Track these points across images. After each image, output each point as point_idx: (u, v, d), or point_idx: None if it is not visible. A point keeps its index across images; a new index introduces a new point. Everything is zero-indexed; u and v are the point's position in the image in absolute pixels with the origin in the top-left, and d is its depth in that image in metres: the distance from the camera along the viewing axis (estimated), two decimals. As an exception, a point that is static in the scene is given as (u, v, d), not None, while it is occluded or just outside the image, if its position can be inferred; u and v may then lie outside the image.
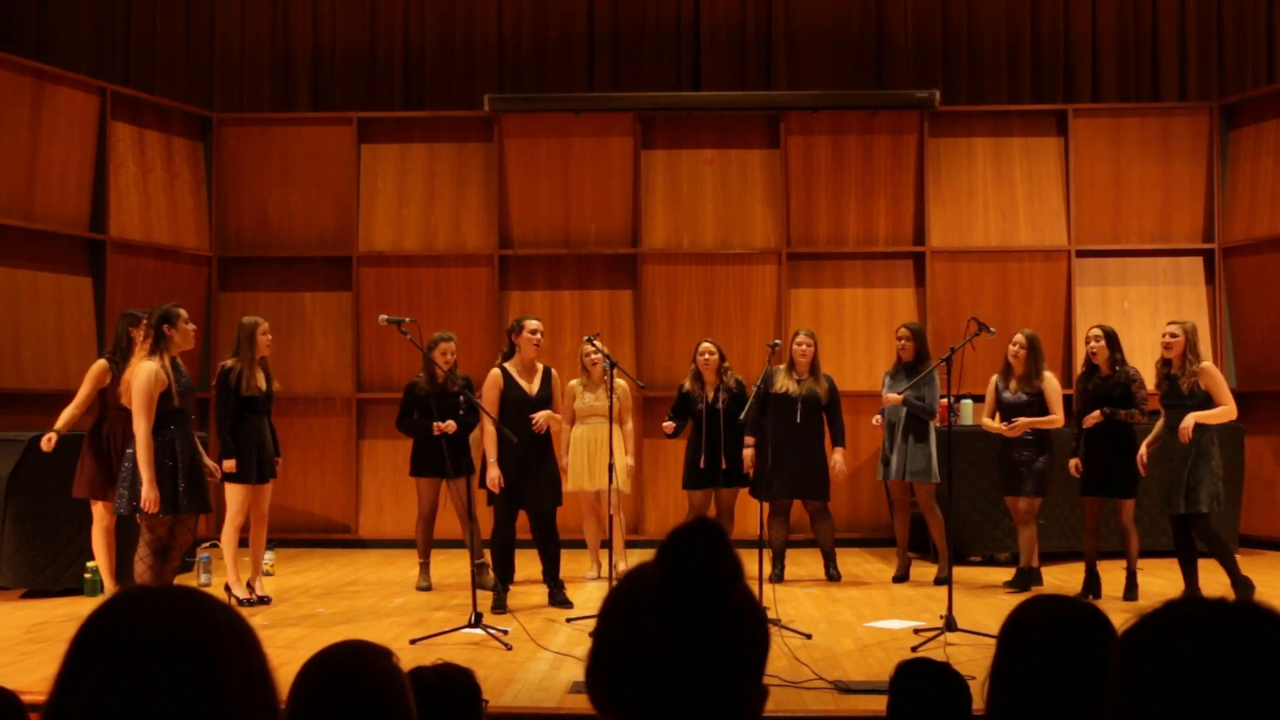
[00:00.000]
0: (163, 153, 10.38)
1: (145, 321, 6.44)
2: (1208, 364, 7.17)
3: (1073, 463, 7.68)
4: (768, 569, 8.14)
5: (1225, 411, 7.08)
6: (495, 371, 7.39)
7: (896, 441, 8.23)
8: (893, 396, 8.12)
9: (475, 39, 11.18)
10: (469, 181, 10.78)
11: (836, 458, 8.38)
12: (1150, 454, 7.35)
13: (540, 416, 7.33)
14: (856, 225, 10.66)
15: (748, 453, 8.24)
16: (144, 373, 6.21)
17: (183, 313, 6.47)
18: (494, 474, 7.14)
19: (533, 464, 7.30)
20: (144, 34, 11.28)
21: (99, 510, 7.23)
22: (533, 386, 7.42)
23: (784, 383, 8.31)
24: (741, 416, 8.00)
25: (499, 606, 7.07)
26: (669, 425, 8.24)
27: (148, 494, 6.17)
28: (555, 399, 7.54)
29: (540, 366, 7.52)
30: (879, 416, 8.33)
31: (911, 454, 8.17)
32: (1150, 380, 7.75)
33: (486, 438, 7.19)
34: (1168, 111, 10.66)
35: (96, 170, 9.74)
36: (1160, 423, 7.33)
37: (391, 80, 11.19)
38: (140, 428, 6.17)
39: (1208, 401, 7.09)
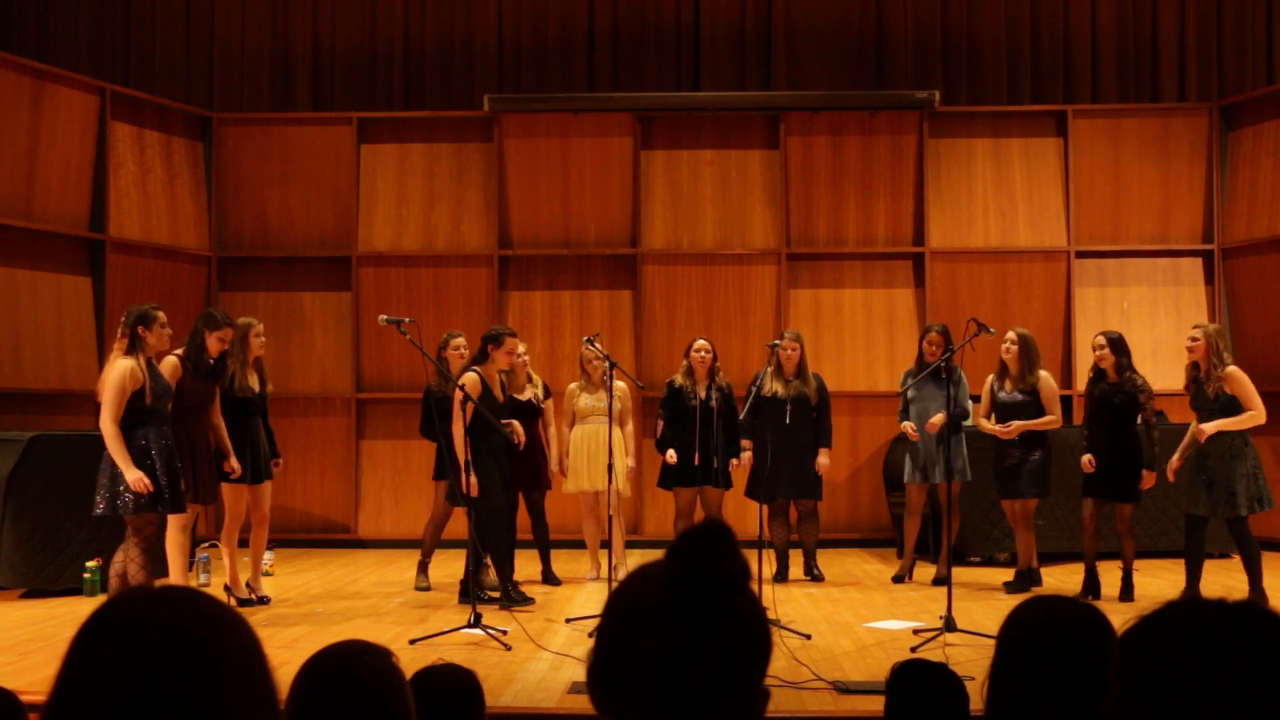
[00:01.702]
0: (162, 153, 10.38)
1: (123, 321, 6.42)
2: (1233, 368, 7.10)
3: (1085, 458, 7.57)
4: (768, 569, 8.15)
5: (1251, 417, 7.00)
6: (473, 376, 7.26)
7: (933, 446, 8.12)
8: (935, 421, 7.95)
9: (475, 39, 11.18)
10: (469, 182, 10.78)
11: (821, 459, 8.35)
12: (1183, 460, 7.28)
13: (519, 429, 7.65)
14: (856, 226, 10.66)
15: (745, 455, 8.23)
16: (119, 369, 6.21)
17: (160, 315, 6.41)
18: (474, 479, 7.02)
19: (502, 468, 7.44)
20: (144, 34, 11.29)
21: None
22: (499, 393, 7.51)
23: (772, 385, 8.29)
24: (740, 417, 8.01)
25: (516, 596, 7.23)
26: (672, 456, 8.13)
27: (131, 477, 6.10)
28: (557, 405, 7.70)
29: (499, 376, 7.55)
30: (911, 424, 8.22)
31: (941, 455, 8.11)
32: (1155, 382, 7.76)
33: (459, 442, 7.05)
34: (1167, 112, 10.67)
35: (96, 170, 9.74)
36: (1191, 428, 7.28)
37: (391, 80, 11.19)
38: (105, 420, 6.14)
39: (1233, 405, 7.03)
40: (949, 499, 7.54)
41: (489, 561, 7.92)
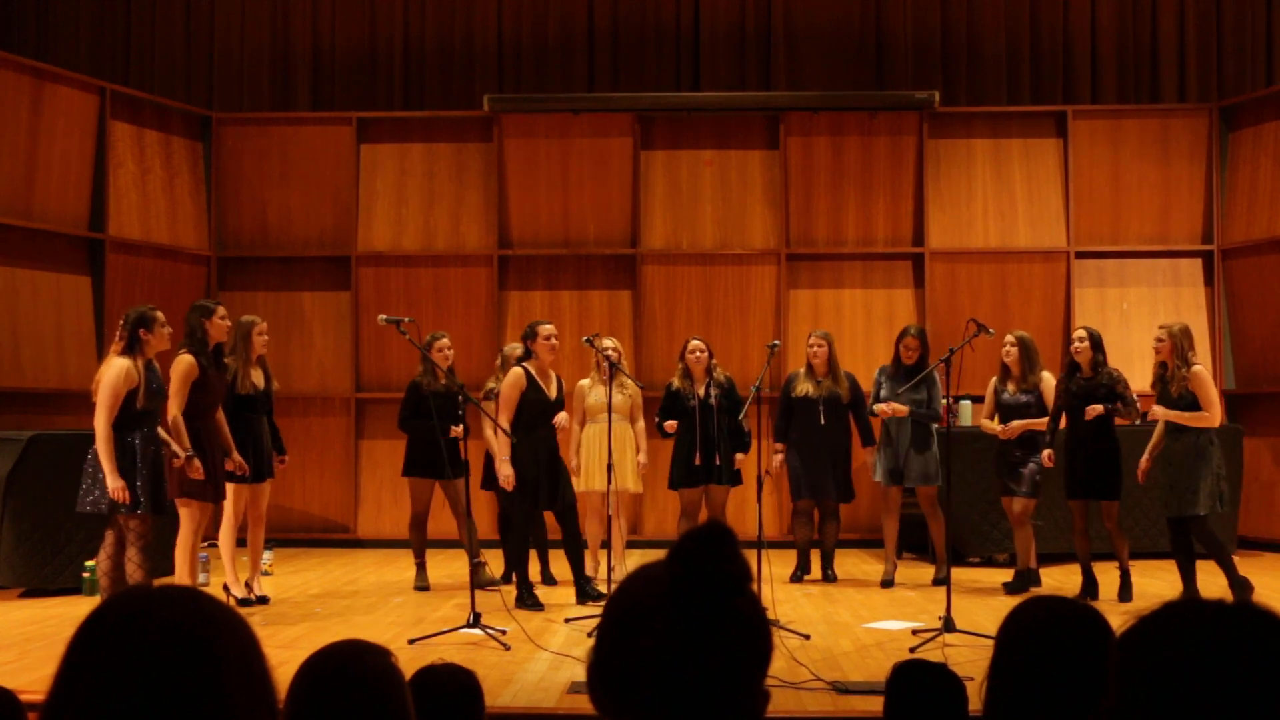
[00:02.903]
0: (162, 152, 10.38)
1: (121, 323, 6.37)
2: (1199, 368, 7.15)
3: (1046, 452, 7.61)
4: (768, 569, 8.14)
5: (1201, 417, 7.04)
6: (518, 371, 7.43)
7: (903, 446, 8.18)
8: (899, 408, 8.06)
9: (475, 39, 11.18)
10: (468, 182, 10.78)
11: (868, 458, 8.37)
12: (1152, 460, 7.35)
13: (561, 418, 7.45)
14: (855, 226, 10.66)
15: (777, 459, 8.23)
16: (115, 368, 6.17)
17: (159, 316, 6.37)
18: (506, 471, 7.22)
19: (552, 464, 7.43)
20: (144, 34, 11.29)
21: (188, 510, 6.81)
22: (551, 390, 7.48)
23: (804, 386, 8.30)
24: (740, 417, 7.99)
25: (535, 602, 7.24)
26: (671, 425, 8.14)
27: (112, 484, 6.08)
28: (566, 403, 7.62)
29: (552, 372, 7.57)
30: (883, 406, 8.21)
31: (917, 458, 8.14)
32: (1135, 381, 7.78)
33: (499, 437, 7.26)
34: (1167, 113, 10.67)
35: (96, 170, 9.74)
36: (1159, 429, 7.32)
37: (391, 80, 11.19)
38: (100, 421, 6.11)
39: (1195, 405, 7.09)
40: (946, 500, 7.55)
41: (486, 561, 8.02)
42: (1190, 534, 7.13)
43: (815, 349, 8.34)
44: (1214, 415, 7.10)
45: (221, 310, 7.07)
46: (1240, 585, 7.00)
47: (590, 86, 11.08)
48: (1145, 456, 7.37)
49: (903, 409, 8.06)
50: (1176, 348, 7.15)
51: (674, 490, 8.37)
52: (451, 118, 10.85)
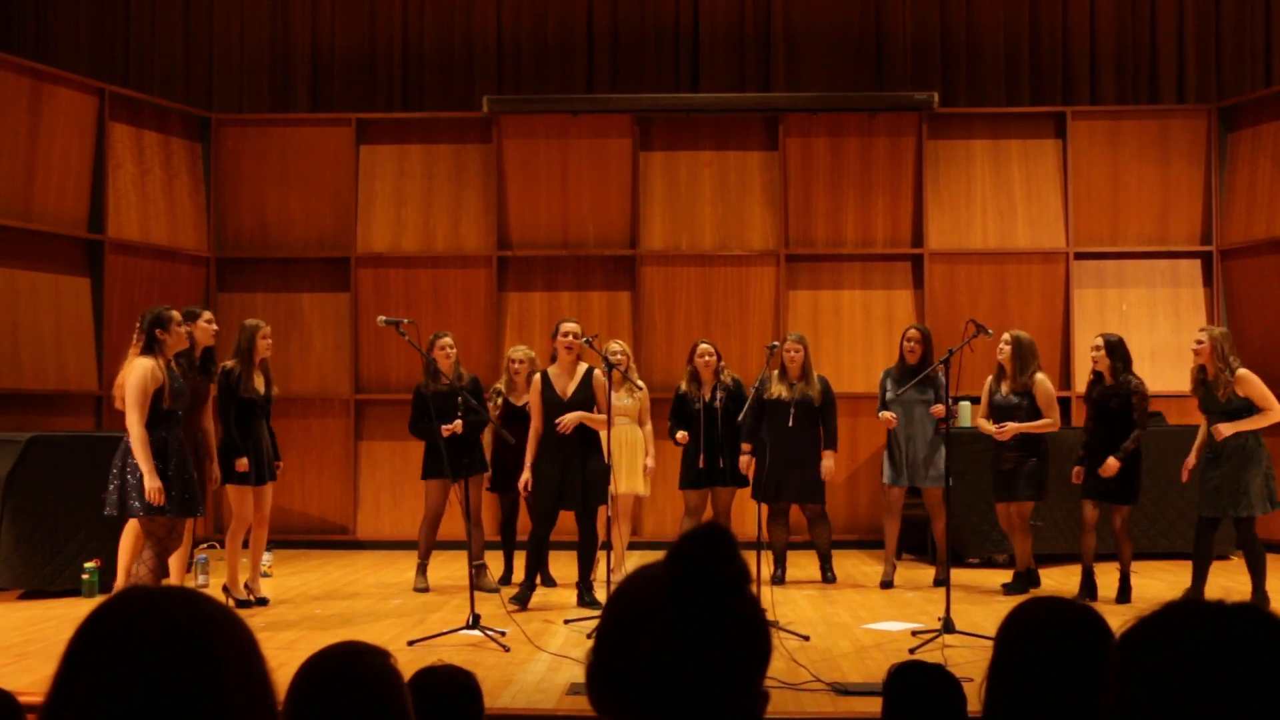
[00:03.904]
0: (161, 153, 10.37)
1: (138, 325, 6.37)
2: (1244, 371, 7.11)
3: (1076, 470, 7.66)
4: (767, 570, 8.16)
5: (1266, 417, 7.00)
6: (537, 377, 7.57)
7: (915, 447, 8.17)
8: (939, 408, 7.91)
9: (474, 40, 11.18)
10: (467, 183, 10.77)
11: (826, 462, 8.34)
12: (1198, 462, 7.27)
13: (565, 419, 7.33)
14: (855, 227, 10.66)
15: (744, 459, 8.24)
16: (139, 368, 6.17)
17: (176, 315, 6.40)
18: (525, 477, 7.38)
19: (574, 464, 7.37)
20: (143, 34, 11.29)
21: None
22: (569, 389, 7.45)
23: (777, 388, 8.31)
24: (740, 419, 8.01)
25: (522, 601, 7.28)
26: (683, 435, 8.18)
27: (150, 485, 6.08)
28: (599, 400, 7.46)
29: (581, 368, 7.55)
30: (889, 414, 8.20)
31: (930, 459, 8.12)
32: (1152, 385, 7.79)
33: (529, 439, 7.45)
34: (1166, 114, 10.67)
35: (95, 171, 9.74)
36: (1202, 430, 7.28)
37: (390, 81, 11.19)
38: (133, 422, 6.10)
39: (1247, 407, 7.03)
40: (947, 500, 7.54)
41: (486, 563, 8.03)
42: (1212, 536, 7.13)
43: (792, 353, 8.35)
44: (1276, 411, 7.06)
45: (208, 315, 7.17)
46: (1261, 597, 6.93)
47: (589, 87, 11.07)
48: (1192, 456, 7.31)
49: (940, 409, 7.89)
50: (1216, 350, 7.11)
51: (682, 491, 8.42)
52: (450, 119, 10.84)
